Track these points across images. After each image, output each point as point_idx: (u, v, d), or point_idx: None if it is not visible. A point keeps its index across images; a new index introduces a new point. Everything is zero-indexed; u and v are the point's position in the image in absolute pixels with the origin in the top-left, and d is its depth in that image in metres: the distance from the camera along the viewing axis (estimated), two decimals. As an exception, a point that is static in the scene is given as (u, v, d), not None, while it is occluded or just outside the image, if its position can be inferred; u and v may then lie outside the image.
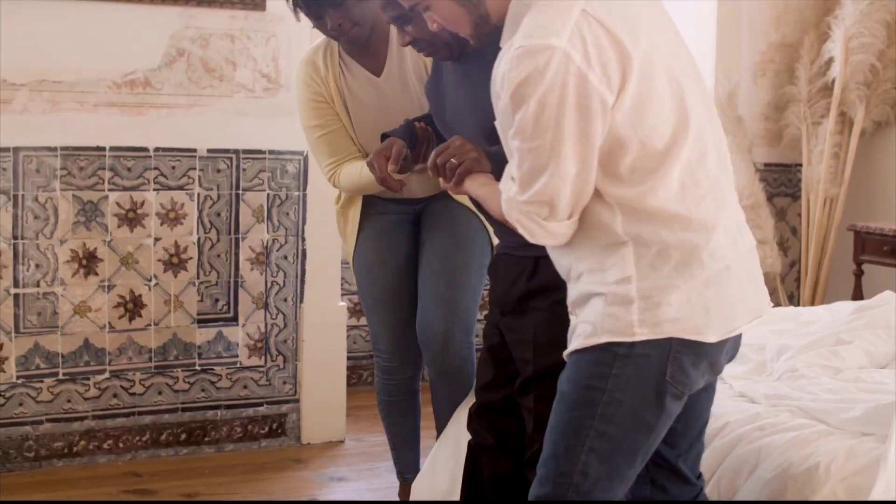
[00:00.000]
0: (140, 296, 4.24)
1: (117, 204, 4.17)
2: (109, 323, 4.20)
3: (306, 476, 4.23)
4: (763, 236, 5.11)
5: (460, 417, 3.21)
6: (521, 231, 2.23)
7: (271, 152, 4.37)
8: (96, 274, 4.17)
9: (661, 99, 2.12)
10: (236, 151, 4.33)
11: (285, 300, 4.47)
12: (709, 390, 2.44)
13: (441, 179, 2.47)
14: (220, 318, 4.38)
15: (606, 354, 2.18)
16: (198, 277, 4.32)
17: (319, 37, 4.42)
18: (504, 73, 2.11)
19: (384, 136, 2.97)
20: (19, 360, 4.08)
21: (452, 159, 2.40)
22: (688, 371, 2.20)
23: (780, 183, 5.50)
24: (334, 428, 4.58)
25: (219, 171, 4.31)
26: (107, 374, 4.22)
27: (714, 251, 2.17)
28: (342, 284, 4.68)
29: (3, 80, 3.95)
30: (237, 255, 4.38)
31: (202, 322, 4.35)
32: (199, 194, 4.29)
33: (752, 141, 5.27)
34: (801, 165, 5.34)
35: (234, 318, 4.40)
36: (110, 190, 4.15)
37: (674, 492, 2.47)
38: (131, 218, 4.20)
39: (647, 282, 2.15)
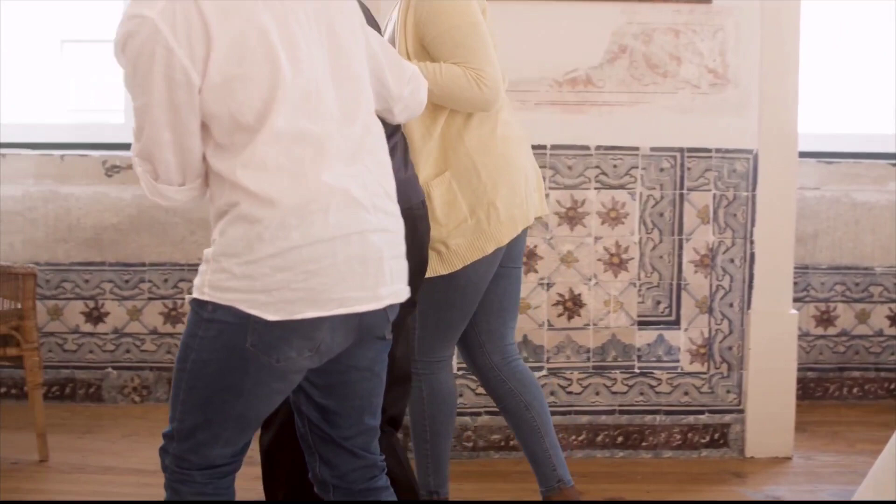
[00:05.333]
0: (579, 295, 4.23)
1: (558, 202, 4.18)
2: (548, 320, 4.23)
3: (742, 492, 4.00)
4: None
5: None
6: (143, 187, 2.35)
7: (718, 150, 4.18)
8: (536, 271, 4.21)
9: (252, 78, 2.19)
10: (681, 150, 4.19)
11: (731, 305, 4.27)
12: (361, 371, 2.44)
13: None
14: (662, 321, 4.26)
15: (196, 316, 2.30)
16: (639, 278, 4.23)
17: (772, 29, 4.20)
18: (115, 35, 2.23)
19: None
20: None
21: None
22: (274, 343, 2.25)
23: None
24: (781, 443, 4.29)
25: (662, 169, 4.19)
26: (545, 372, 4.25)
27: (278, 230, 2.21)
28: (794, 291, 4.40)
29: (450, 82, 4.09)
30: (680, 256, 4.24)
31: (642, 324, 4.26)
32: (641, 193, 4.20)
33: None
34: None
35: (677, 322, 4.26)
36: (551, 188, 4.17)
37: (341, 466, 2.52)
38: (572, 216, 4.19)
39: (220, 247, 2.26)
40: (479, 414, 4.24)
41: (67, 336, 4.94)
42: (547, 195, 4.15)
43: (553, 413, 4.19)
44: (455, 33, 3.03)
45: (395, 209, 2.44)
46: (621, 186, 4.19)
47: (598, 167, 4.18)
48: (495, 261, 3.29)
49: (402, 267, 2.44)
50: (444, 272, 3.20)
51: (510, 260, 3.38)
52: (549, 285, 4.22)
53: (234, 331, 2.24)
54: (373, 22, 3.08)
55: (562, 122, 4.14)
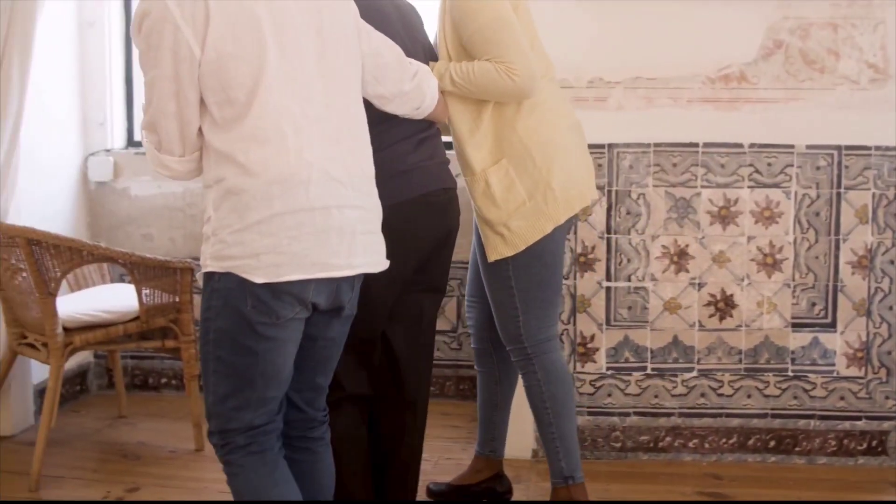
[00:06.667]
0: (731, 295, 4.14)
1: (710, 201, 4.11)
2: (699, 321, 4.16)
3: (901, 501, 3.88)
4: None
5: None
6: (147, 158, 2.64)
7: (878, 148, 4.05)
8: (687, 271, 4.14)
9: (243, 56, 2.46)
10: (838, 147, 4.07)
11: (890, 308, 4.13)
12: (329, 341, 2.71)
13: None
14: (817, 323, 4.15)
15: (206, 288, 2.56)
16: (793, 279, 4.13)
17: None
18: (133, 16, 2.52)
19: None
20: (609, 352, 4.18)
21: None
22: (268, 302, 2.50)
23: None
24: (944, 452, 4.15)
25: (818, 168, 4.08)
26: (695, 373, 4.18)
27: (262, 198, 2.46)
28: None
29: (600, 79, 4.05)
30: (837, 257, 4.12)
31: (797, 326, 4.15)
32: (796, 192, 4.09)
33: None
34: None
35: (832, 325, 4.14)
36: (703, 186, 4.10)
37: (288, 416, 2.76)
38: (724, 215, 4.11)
39: (216, 221, 2.51)
40: (627, 414, 4.19)
41: (224, 330, 5.06)
42: (699, 193, 4.09)
43: (703, 415, 4.15)
44: (486, 30, 3.20)
45: (373, 190, 2.71)
46: (776, 185, 4.09)
47: (751, 165, 4.09)
48: (566, 233, 3.46)
49: (374, 241, 2.69)
50: (508, 254, 3.35)
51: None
52: (701, 285, 4.15)
53: (236, 296, 2.51)
54: (419, 23, 3.35)
55: (714, 120, 4.07)
